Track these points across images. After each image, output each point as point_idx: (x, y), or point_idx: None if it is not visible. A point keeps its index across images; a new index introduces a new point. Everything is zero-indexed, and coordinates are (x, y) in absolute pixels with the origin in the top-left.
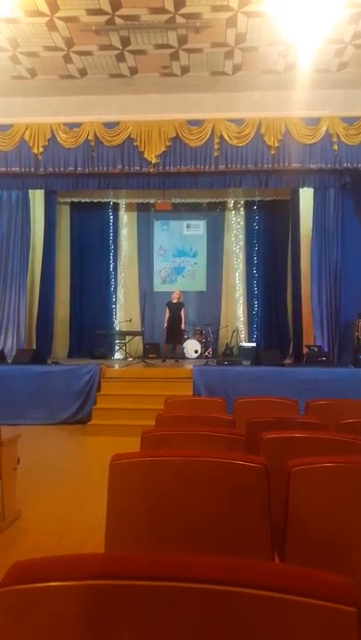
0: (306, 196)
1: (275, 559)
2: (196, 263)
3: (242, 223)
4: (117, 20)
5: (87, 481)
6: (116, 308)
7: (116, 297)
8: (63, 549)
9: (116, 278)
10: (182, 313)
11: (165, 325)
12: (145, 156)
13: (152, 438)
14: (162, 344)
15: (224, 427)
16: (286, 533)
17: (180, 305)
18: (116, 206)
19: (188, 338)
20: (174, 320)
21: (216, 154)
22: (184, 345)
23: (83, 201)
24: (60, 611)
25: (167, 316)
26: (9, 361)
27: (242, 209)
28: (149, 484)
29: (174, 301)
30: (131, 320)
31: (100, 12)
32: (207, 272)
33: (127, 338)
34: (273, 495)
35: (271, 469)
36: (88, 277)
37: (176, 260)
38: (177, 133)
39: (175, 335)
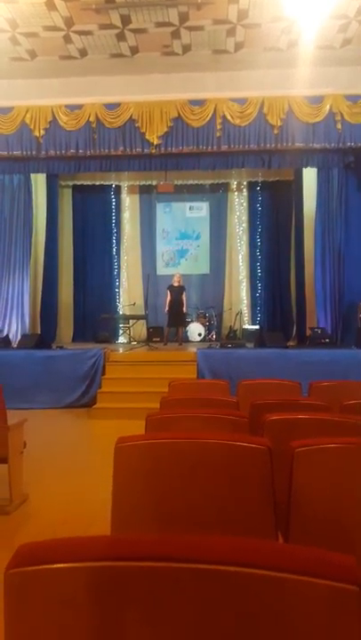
0: (309, 176)
1: (278, 539)
2: (199, 246)
3: (245, 204)
4: None
5: (93, 464)
6: (119, 291)
7: (119, 280)
8: (69, 532)
9: (119, 262)
10: (184, 296)
11: (167, 309)
12: (147, 137)
13: (156, 421)
14: (165, 327)
15: (228, 409)
16: (290, 514)
17: (181, 288)
18: (118, 189)
19: (192, 321)
20: (176, 303)
21: (218, 134)
22: (187, 328)
23: (85, 184)
24: (67, 592)
25: (168, 299)
26: (14, 346)
27: (245, 190)
28: (154, 466)
29: (175, 285)
30: (134, 304)
31: None
32: (210, 254)
33: (131, 321)
34: (277, 476)
35: (275, 451)
36: (91, 261)
37: (179, 243)
38: (179, 113)
39: (177, 318)
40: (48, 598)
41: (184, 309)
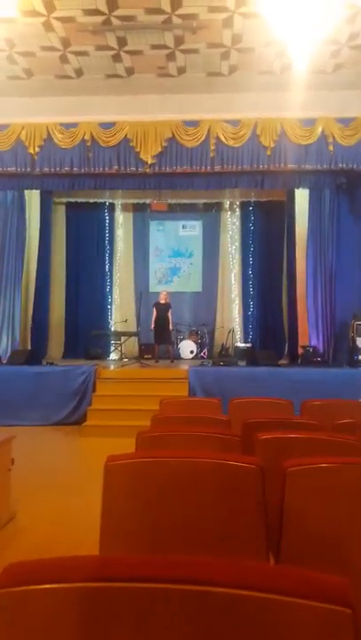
0: (301, 197)
1: (270, 560)
2: (191, 264)
3: (237, 224)
4: (114, 21)
5: (82, 482)
6: (111, 308)
7: (111, 297)
8: (58, 551)
9: (111, 279)
10: (169, 314)
11: (153, 326)
12: (141, 156)
13: (147, 439)
14: (155, 345)
15: (219, 427)
16: (282, 534)
17: (167, 306)
18: (111, 206)
19: (184, 338)
20: (162, 321)
21: (212, 154)
22: (179, 345)
23: (78, 201)
24: (55, 613)
25: (154, 316)
26: (3, 362)
27: (238, 209)
28: (145, 484)
29: (162, 302)
30: (126, 320)
31: (96, 12)
32: (203, 273)
33: (122, 338)
34: (268, 496)
35: (267, 470)
36: (84, 278)
37: (172, 261)
38: (173, 134)
39: (162, 336)
40: (35, 620)
41: (170, 327)
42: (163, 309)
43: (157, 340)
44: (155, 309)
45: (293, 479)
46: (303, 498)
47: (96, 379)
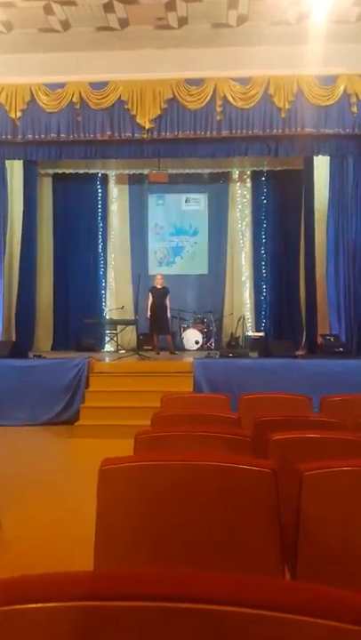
0: (321, 166)
1: (285, 574)
2: (196, 242)
3: (248, 196)
4: None
5: (75, 488)
6: (105, 293)
7: (105, 281)
8: (48, 565)
9: (105, 260)
10: (167, 300)
11: (149, 314)
12: (137, 120)
13: (147, 440)
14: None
15: (228, 426)
16: (298, 546)
17: (164, 291)
18: (104, 178)
19: (188, 327)
20: (158, 308)
21: (219, 117)
22: (183, 335)
23: (67, 172)
24: (45, 635)
25: (150, 302)
26: None
27: (248, 180)
28: (144, 491)
29: (158, 286)
30: (123, 307)
31: None
32: (209, 252)
33: (119, 327)
34: (283, 503)
35: (281, 474)
36: (74, 259)
37: (174, 239)
38: (174, 94)
39: (159, 325)
40: None
41: (168, 314)
42: (159, 295)
43: (154, 329)
44: (150, 295)
45: (311, 484)
46: (322, 505)
47: (89, 373)
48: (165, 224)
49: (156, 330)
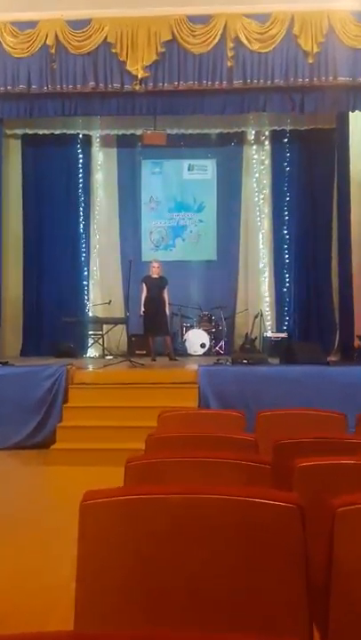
0: (358, 124)
1: (313, 635)
2: (201, 221)
3: (267, 163)
4: None
5: (51, 528)
6: (88, 285)
7: (88, 270)
8: (19, 624)
9: (88, 243)
10: (165, 293)
11: (142, 310)
12: (128, 67)
13: (140, 468)
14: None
15: (242, 451)
16: (330, 601)
17: (161, 281)
18: (87, 140)
19: (192, 327)
20: (155, 303)
21: (230, 64)
22: (185, 337)
23: (39, 133)
24: None
25: (144, 295)
26: None
27: (267, 142)
28: (136, 532)
29: (154, 276)
30: (110, 302)
31: None
32: (218, 233)
33: (105, 327)
34: (311, 547)
35: (308, 511)
36: (48, 242)
37: (174, 217)
38: (173, 35)
39: (156, 324)
40: None
41: (166, 311)
42: (156, 287)
43: (149, 329)
44: (144, 287)
45: (345, 523)
46: (359, 548)
47: (68, 384)
48: (163, 198)
49: (152, 330)
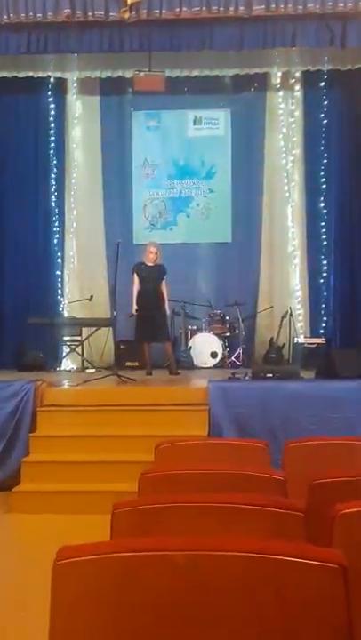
0: None
1: None
2: (212, 191)
3: (298, 114)
4: None
5: (14, 597)
6: (62, 276)
7: (62, 256)
8: None
9: (62, 221)
10: (163, 285)
11: (135, 307)
12: None
13: (131, 516)
14: (143, 344)
15: (266, 493)
16: None
17: (159, 270)
18: (60, 85)
19: (199, 330)
20: (150, 298)
21: None
22: (191, 343)
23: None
24: None
25: (136, 289)
26: None
27: (298, 87)
28: (124, 600)
29: (149, 264)
30: (91, 298)
31: None
32: (233, 207)
33: (85, 332)
34: (357, 617)
35: (354, 571)
36: (10, 219)
37: (175, 186)
38: None
39: (152, 326)
40: None
41: (165, 308)
42: (151, 277)
43: (143, 334)
44: (136, 278)
45: None
46: None
47: (36, 407)
48: (161, 160)
49: (147, 335)
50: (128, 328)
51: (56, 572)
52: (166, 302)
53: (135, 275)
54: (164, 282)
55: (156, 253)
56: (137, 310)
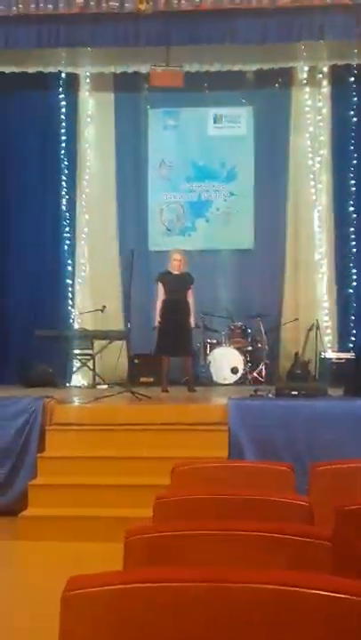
0: None
1: None
2: (233, 194)
3: (325, 111)
4: None
5: (20, 627)
6: (73, 285)
7: (73, 264)
8: None
9: (73, 226)
10: (190, 295)
11: (157, 320)
12: None
13: (145, 544)
14: (163, 358)
15: (291, 520)
16: None
17: (185, 280)
18: (72, 81)
19: (219, 344)
20: (175, 310)
21: None
22: (210, 358)
23: (6, 72)
24: None
25: (161, 300)
26: None
27: (325, 83)
28: (138, 634)
29: (175, 272)
30: (104, 309)
31: None
32: (256, 211)
33: (97, 345)
34: None
35: None
36: (17, 225)
37: (194, 188)
38: None
39: (175, 339)
40: None
41: (191, 320)
42: (177, 287)
43: (165, 347)
44: (161, 287)
45: None
46: None
47: (45, 425)
48: (179, 162)
49: (168, 348)
50: (143, 341)
51: (65, 604)
52: (192, 315)
53: (160, 284)
54: (190, 291)
55: (181, 260)
56: (160, 322)
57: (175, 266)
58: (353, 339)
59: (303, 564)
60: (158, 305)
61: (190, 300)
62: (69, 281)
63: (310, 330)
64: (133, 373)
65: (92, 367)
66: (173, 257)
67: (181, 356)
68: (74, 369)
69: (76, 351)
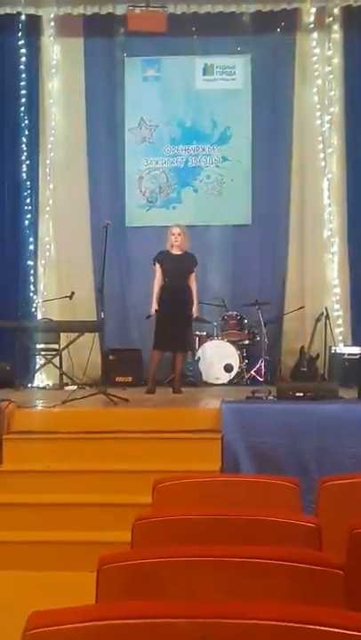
0: None
1: None
2: (226, 159)
3: (336, 61)
4: None
5: None
6: (36, 267)
7: (36, 242)
8: None
9: (34, 197)
10: (192, 280)
11: (154, 307)
12: None
13: (122, 573)
14: (147, 354)
15: (296, 544)
16: None
17: (188, 261)
18: (33, 24)
19: (210, 337)
20: (175, 297)
21: None
22: (199, 354)
23: None
24: None
25: (157, 284)
26: None
27: (336, 27)
28: None
29: (174, 252)
30: (72, 296)
31: None
32: (254, 180)
33: (64, 338)
34: None
35: None
36: None
37: (180, 152)
38: None
39: (172, 332)
40: None
41: (193, 310)
42: (177, 269)
43: (163, 341)
44: (158, 269)
45: None
46: None
47: (2, 433)
48: (162, 120)
49: (165, 342)
50: (118, 334)
51: None
52: (195, 304)
53: (157, 266)
54: (193, 275)
55: (180, 235)
56: (156, 310)
57: (175, 244)
58: None
59: (310, 596)
60: (156, 289)
61: (193, 285)
62: (31, 262)
63: (318, 320)
64: (108, 372)
65: (58, 365)
66: (171, 232)
67: (177, 352)
68: (37, 367)
69: (40, 346)
